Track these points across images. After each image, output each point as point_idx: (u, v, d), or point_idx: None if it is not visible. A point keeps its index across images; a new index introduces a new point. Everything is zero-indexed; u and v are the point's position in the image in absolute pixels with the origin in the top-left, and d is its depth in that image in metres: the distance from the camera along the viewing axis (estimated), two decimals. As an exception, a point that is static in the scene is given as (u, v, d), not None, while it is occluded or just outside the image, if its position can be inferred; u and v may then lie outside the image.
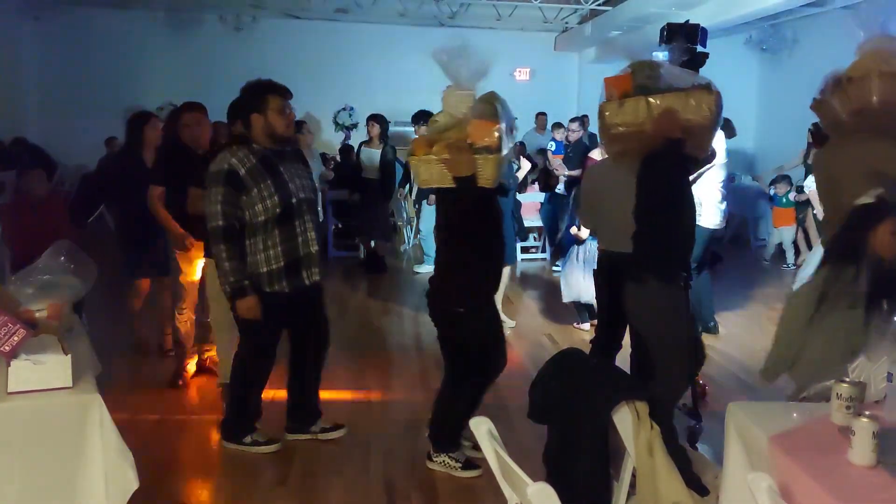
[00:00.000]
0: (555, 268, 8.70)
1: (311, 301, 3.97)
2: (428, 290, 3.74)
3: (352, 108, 12.56)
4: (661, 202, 3.44)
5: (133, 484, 2.52)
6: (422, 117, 8.29)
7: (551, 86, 13.04)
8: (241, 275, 3.61)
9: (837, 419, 2.18)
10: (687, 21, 4.53)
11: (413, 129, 8.28)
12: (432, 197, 8.38)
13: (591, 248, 5.90)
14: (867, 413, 1.99)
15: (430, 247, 8.74)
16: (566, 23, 12.68)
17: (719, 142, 4.62)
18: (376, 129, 8.48)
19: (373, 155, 8.46)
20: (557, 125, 10.89)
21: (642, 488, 2.45)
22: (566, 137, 9.65)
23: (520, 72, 13.34)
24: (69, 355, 2.52)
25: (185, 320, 4.90)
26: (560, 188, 9.00)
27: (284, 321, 3.92)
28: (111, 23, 12.18)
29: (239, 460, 3.89)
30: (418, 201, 8.80)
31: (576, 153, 9.09)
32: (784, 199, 9.13)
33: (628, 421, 2.44)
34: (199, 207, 4.15)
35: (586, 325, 6.35)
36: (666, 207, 3.45)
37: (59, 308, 2.97)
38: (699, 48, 4.37)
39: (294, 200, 3.71)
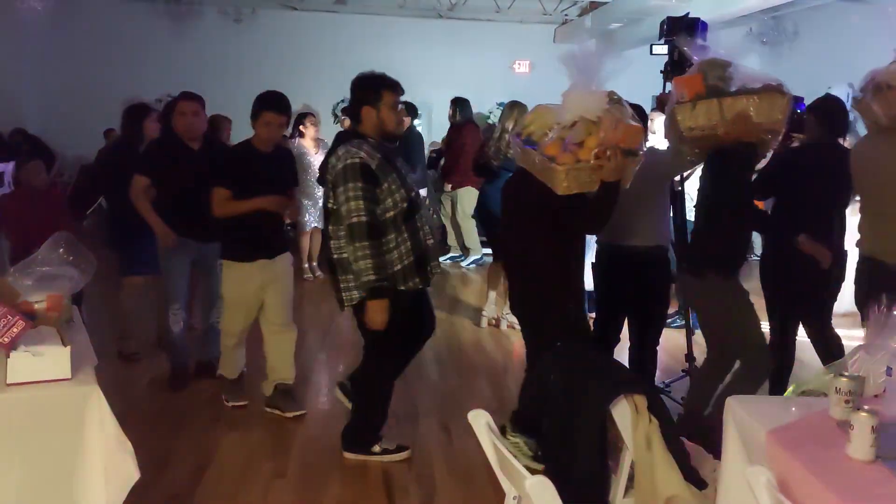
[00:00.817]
0: None
1: (424, 297, 3.89)
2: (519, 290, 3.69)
3: (344, 100, 12.55)
4: (730, 201, 3.50)
5: (133, 475, 2.52)
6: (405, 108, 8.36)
7: (551, 78, 12.93)
8: (380, 274, 3.45)
9: (836, 413, 2.18)
10: (687, 14, 4.52)
11: None
12: None
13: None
14: (866, 407, 1.99)
15: None
16: (566, 15, 12.64)
17: None
18: (347, 123, 8.39)
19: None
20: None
21: (640, 481, 2.46)
22: None
23: (519, 64, 13.30)
24: (68, 347, 2.52)
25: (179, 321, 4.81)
26: None
27: (410, 320, 3.75)
28: (111, 13, 12.14)
29: (238, 453, 3.90)
30: None
31: None
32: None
33: (627, 414, 2.45)
34: (229, 209, 4.15)
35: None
36: (734, 206, 3.51)
37: (58, 300, 2.96)
38: (699, 42, 4.36)
39: (413, 194, 3.64)
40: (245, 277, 4.23)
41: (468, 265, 8.92)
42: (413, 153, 8.32)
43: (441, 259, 8.79)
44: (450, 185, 8.52)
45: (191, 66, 12.03)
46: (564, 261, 3.50)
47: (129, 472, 2.51)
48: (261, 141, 4.23)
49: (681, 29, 4.41)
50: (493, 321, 6.35)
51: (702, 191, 3.74)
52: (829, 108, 4.04)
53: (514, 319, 6.29)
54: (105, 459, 2.48)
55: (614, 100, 3.39)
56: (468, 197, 8.15)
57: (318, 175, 6.22)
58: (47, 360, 2.47)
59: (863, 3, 9.80)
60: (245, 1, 12.13)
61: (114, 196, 5.33)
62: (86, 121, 11.83)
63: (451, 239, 9.26)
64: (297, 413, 4.36)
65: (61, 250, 3.18)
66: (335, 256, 3.59)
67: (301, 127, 7.77)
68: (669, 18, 4.53)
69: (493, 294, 6.35)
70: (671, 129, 3.69)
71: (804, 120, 4.10)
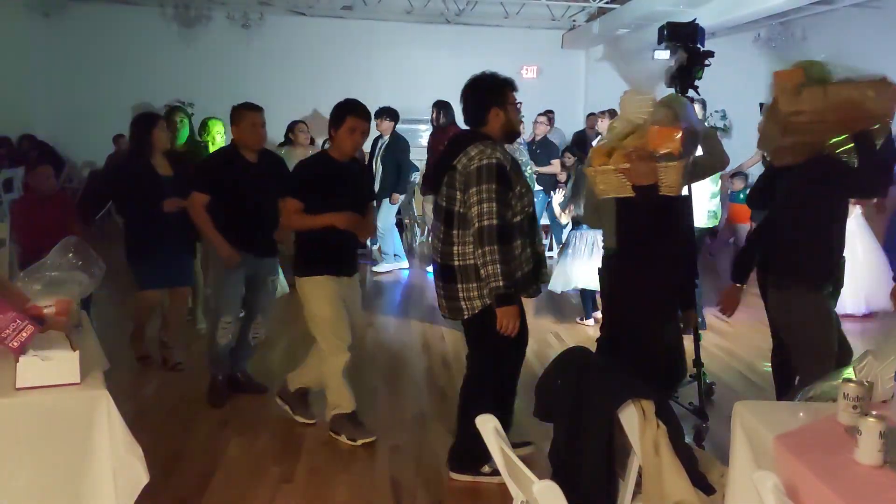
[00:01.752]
0: None
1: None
2: (604, 296, 3.65)
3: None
4: (818, 212, 3.41)
5: (143, 479, 2.53)
6: (385, 113, 8.33)
7: (559, 83, 13.02)
8: (509, 280, 3.30)
9: (844, 419, 2.18)
10: (694, 20, 4.52)
11: (375, 122, 8.23)
12: (396, 196, 8.33)
13: (588, 237, 6.11)
14: (874, 413, 1.99)
15: (388, 245, 8.67)
16: (574, 20, 12.65)
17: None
18: (384, 126, 8.43)
19: None
20: None
21: (648, 487, 2.45)
22: (532, 134, 9.50)
23: (527, 69, 13.31)
24: (77, 351, 2.53)
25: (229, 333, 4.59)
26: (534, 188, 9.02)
27: (523, 329, 3.56)
28: (120, 19, 12.21)
29: (246, 457, 3.90)
30: (379, 199, 8.47)
31: (543, 150, 8.99)
32: (740, 196, 9.13)
33: (634, 419, 2.44)
34: (298, 223, 3.96)
35: (591, 321, 6.39)
36: (823, 217, 3.43)
37: (68, 304, 2.98)
38: (699, 47, 4.37)
39: (533, 198, 3.56)
40: (335, 290, 4.01)
41: None
42: (401, 159, 8.36)
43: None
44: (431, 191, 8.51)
45: (199, 72, 12.10)
46: (639, 269, 3.49)
47: (138, 476, 2.52)
48: (341, 151, 4.01)
49: (681, 34, 4.41)
50: None
51: (789, 200, 3.54)
52: None
53: None
54: (114, 463, 2.49)
55: (666, 103, 3.30)
56: None
57: None
58: (56, 365, 2.49)
59: (871, 8, 9.77)
60: (253, 7, 12.18)
61: (127, 208, 5.14)
62: (94, 127, 11.89)
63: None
64: (305, 420, 4.30)
65: (70, 255, 3.21)
66: (457, 263, 3.41)
67: (291, 135, 7.75)
68: (669, 24, 4.53)
69: None
70: (770, 124, 3.48)
71: None
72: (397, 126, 8.55)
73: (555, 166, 8.91)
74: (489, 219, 3.25)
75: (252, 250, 4.46)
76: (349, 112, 3.92)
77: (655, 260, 3.52)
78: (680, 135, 3.29)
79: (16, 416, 2.42)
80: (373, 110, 9.01)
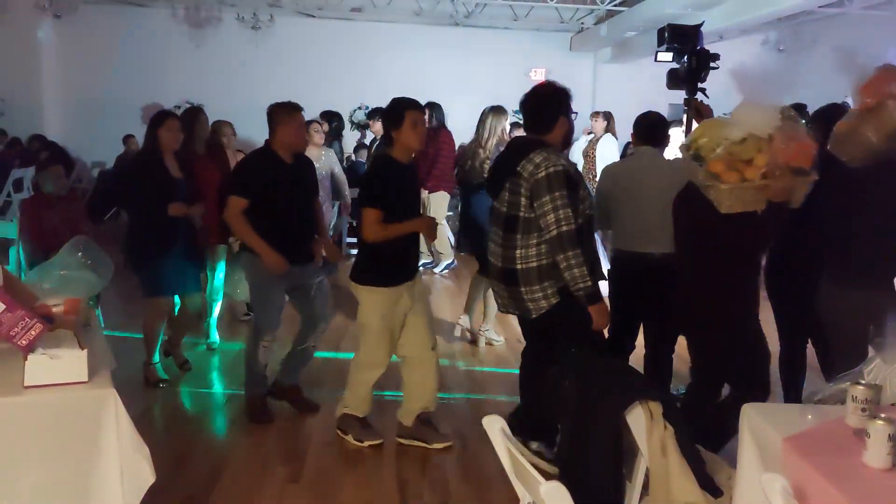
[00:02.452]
0: None
1: None
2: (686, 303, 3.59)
3: (367, 107, 12.59)
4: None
5: (149, 478, 2.53)
6: (378, 113, 8.18)
7: (567, 86, 13.00)
8: (592, 279, 3.38)
9: (852, 421, 2.17)
10: (703, 23, 4.52)
11: (369, 122, 8.15)
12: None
13: None
14: (883, 415, 1.98)
15: None
16: (582, 23, 12.65)
17: None
18: (378, 127, 8.26)
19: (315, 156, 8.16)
20: None
21: (655, 488, 2.44)
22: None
23: (535, 72, 13.31)
24: (85, 350, 2.54)
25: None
26: None
27: None
28: (130, 21, 12.29)
29: (252, 457, 3.91)
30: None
31: None
32: None
33: (642, 421, 2.44)
34: (382, 233, 3.78)
35: None
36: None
37: (76, 303, 2.99)
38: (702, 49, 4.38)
39: (591, 201, 3.60)
40: (393, 302, 3.91)
41: (441, 271, 8.68)
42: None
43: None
44: (425, 191, 8.08)
45: (210, 73, 12.16)
46: (738, 277, 3.43)
47: (145, 475, 2.53)
48: (407, 148, 3.87)
49: (682, 36, 4.42)
50: (469, 333, 6.05)
51: (861, 202, 3.41)
52: (833, 116, 3.94)
53: (493, 336, 6.01)
54: (121, 462, 2.49)
55: (788, 116, 3.21)
56: (440, 202, 8.04)
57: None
58: (64, 363, 2.49)
59: (881, 10, 9.74)
60: (263, 8, 12.23)
61: (131, 208, 4.90)
62: (105, 127, 11.97)
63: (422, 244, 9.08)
64: (444, 445, 4.05)
65: (80, 254, 3.22)
66: (519, 267, 3.46)
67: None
68: (670, 26, 4.53)
69: (476, 306, 6.01)
70: (867, 126, 3.27)
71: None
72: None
73: None
74: (567, 224, 3.32)
75: (295, 259, 4.18)
76: (406, 108, 3.83)
77: (754, 269, 3.53)
78: (814, 150, 3.20)
79: (24, 415, 2.43)
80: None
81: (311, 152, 7.38)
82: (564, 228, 3.32)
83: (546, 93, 3.63)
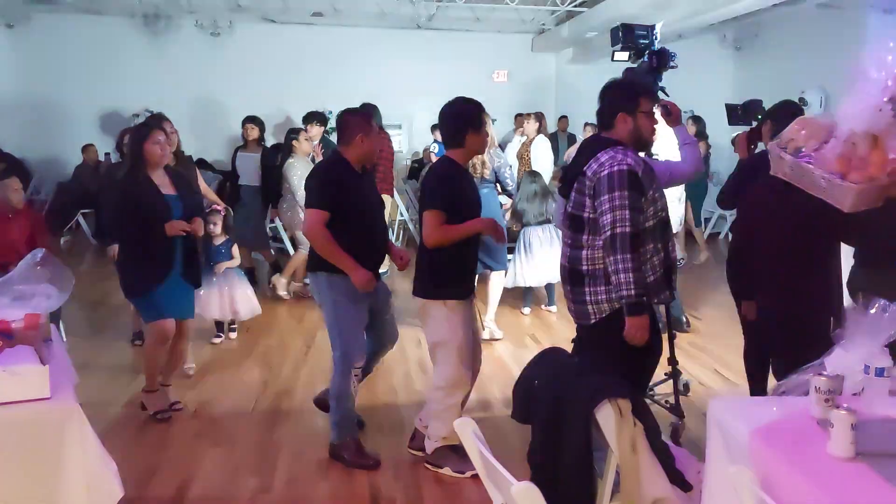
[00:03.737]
0: None
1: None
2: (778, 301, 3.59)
3: (330, 112, 12.52)
4: None
5: (117, 493, 2.50)
6: (315, 118, 8.11)
7: (529, 87, 13.10)
8: (640, 289, 3.17)
9: (816, 412, 2.21)
10: (655, 25, 4.57)
11: (305, 127, 7.95)
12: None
13: (541, 234, 6.71)
14: (845, 405, 2.02)
15: None
16: (543, 24, 12.73)
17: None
18: (255, 132, 7.98)
19: (251, 159, 7.91)
20: (437, 126, 10.69)
21: (626, 485, 2.46)
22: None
23: (498, 73, 13.37)
24: (47, 366, 2.50)
25: None
26: None
27: (654, 335, 3.37)
28: (87, 28, 12.07)
29: (223, 469, 3.86)
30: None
31: None
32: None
33: (611, 419, 2.46)
34: (445, 235, 3.62)
35: (553, 307, 7.03)
36: None
37: (36, 318, 2.93)
38: (656, 48, 4.43)
39: (666, 202, 3.44)
40: (467, 315, 3.76)
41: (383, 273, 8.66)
42: (268, 184, 7.91)
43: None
44: None
45: (169, 81, 12.01)
46: (828, 267, 3.51)
47: (112, 490, 2.50)
48: (474, 152, 3.80)
49: (636, 35, 4.46)
50: (497, 334, 6.31)
51: None
52: (786, 114, 4.02)
53: (494, 328, 6.29)
54: (87, 478, 2.45)
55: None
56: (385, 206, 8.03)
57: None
58: (26, 380, 2.45)
59: (833, 8, 9.95)
60: (222, 15, 12.10)
61: (128, 237, 4.40)
62: (62, 138, 11.76)
63: None
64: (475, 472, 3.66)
65: (38, 268, 3.15)
66: (585, 267, 3.32)
67: (294, 142, 7.63)
68: (623, 25, 4.56)
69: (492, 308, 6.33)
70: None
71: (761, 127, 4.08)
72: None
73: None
74: (622, 226, 3.15)
75: (376, 274, 3.96)
76: (481, 110, 3.75)
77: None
78: None
79: (-15, 433, 2.37)
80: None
81: (301, 161, 7.31)
82: (619, 230, 3.15)
83: (610, 89, 3.45)
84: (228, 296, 5.76)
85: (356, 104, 10.93)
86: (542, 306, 7.13)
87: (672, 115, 4.12)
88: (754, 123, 4.04)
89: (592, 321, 3.35)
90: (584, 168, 3.30)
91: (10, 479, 2.39)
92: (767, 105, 4.43)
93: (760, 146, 4.24)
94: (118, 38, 12.12)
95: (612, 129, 3.37)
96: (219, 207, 5.93)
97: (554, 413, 2.58)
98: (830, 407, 2.11)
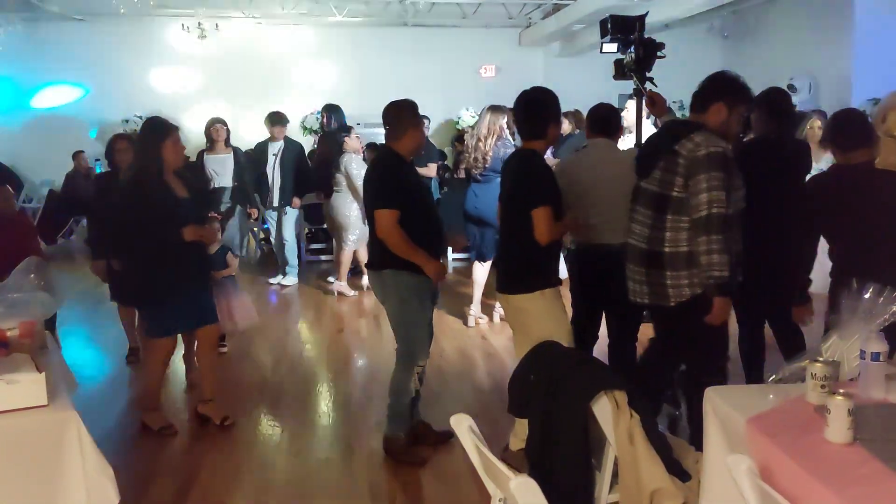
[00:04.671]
0: None
1: None
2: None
3: (318, 112, 12.50)
4: None
5: (114, 500, 2.49)
6: (281, 118, 8.01)
7: (517, 81, 12.98)
8: (729, 270, 3.21)
9: (813, 399, 2.21)
10: (646, 13, 4.58)
11: (269, 129, 7.89)
12: (296, 200, 8.03)
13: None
14: (842, 391, 2.02)
15: (294, 257, 8.33)
16: (530, 18, 12.71)
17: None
18: (224, 133, 7.74)
19: (223, 161, 7.67)
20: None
21: (624, 476, 2.47)
22: None
23: (485, 68, 13.35)
24: (43, 373, 2.49)
25: None
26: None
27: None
28: (74, 35, 12.00)
29: (222, 470, 3.86)
30: (282, 207, 8.14)
31: (424, 151, 8.51)
32: None
33: (608, 410, 2.46)
34: (555, 231, 3.59)
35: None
36: None
37: (31, 326, 2.92)
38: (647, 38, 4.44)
39: (744, 193, 3.43)
40: (562, 304, 3.74)
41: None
42: (300, 163, 8.07)
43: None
44: (325, 196, 7.89)
45: (156, 85, 11.95)
46: None
47: (109, 497, 2.48)
48: (549, 146, 3.80)
49: (625, 27, 4.46)
50: (481, 319, 6.50)
51: None
52: (773, 102, 4.03)
53: (478, 313, 6.47)
54: (85, 485, 2.45)
55: None
56: (349, 204, 7.71)
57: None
58: (22, 388, 2.44)
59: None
60: (208, 17, 12.05)
61: (142, 241, 4.08)
62: (52, 145, 11.69)
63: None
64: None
65: (32, 276, 3.15)
66: (667, 250, 3.31)
67: (346, 139, 7.56)
68: (612, 17, 4.57)
69: (478, 293, 6.47)
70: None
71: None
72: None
73: (431, 169, 8.55)
74: (718, 207, 3.17)
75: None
76: (558, 100, 3.73)
77: None
78: None
79: (-17, 443, 2.37)
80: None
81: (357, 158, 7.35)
82: (714, 211, 3.17)
83: (716, 78, 3.46)
84: (225, 306, 5.36)
85: (345, 102, 10.97)
86: None
87: (657, 105, 4.13)
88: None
89: (672, 304, 3.35)
90: (675, 147, 3.26)
91: (9, 487, 2.38)
92: (756, 93, 4.44)
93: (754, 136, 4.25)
94: (105, 43, 12.05)
95: (704, 114, 3.36)
96: (214, 214, 5.87)
97: (551, 406, 2.59)
98: (827, 393, 2.12)
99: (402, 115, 3.85)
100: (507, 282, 3.75)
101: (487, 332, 6.27)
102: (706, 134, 3.25)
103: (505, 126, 6.02)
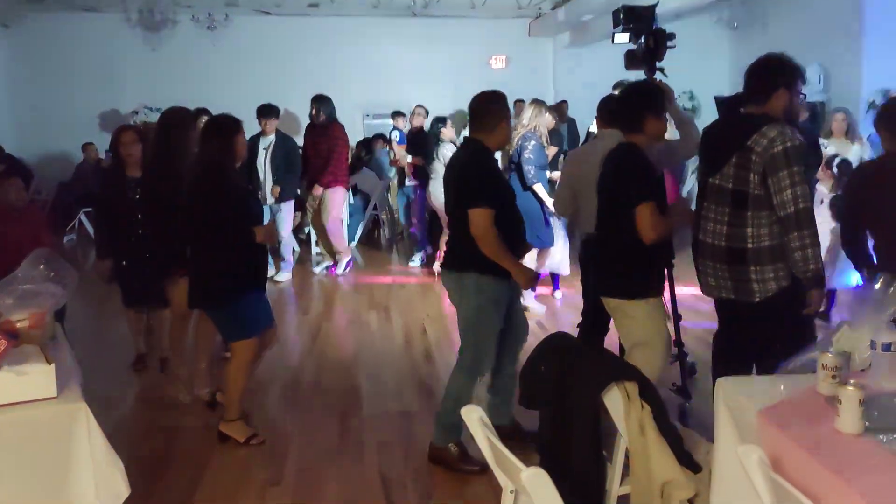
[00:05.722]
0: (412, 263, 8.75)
1: None
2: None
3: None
4: None
5: (124, 492, 2.49)
6: (272, 112, 7.68)
7: (527, 72, 13.03)
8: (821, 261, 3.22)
9: (824, 389, 2.20)
10: (656, 3, 4.54)
11: (259, 122, 7.64)
12: (276, 189, 7.69)
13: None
14: (853, 381, 2.01)
15: (289, 252, 8.25)
16: (539, 9, 12.66)
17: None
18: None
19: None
20: (398, 113, 10.64)
21: (636, 468, 2.47)
22: (410, 123, 9.42)
23: (495, 59, 13.32)
24: (52, 365, 2.49)
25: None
26: (409, 180, 8.83)
27: None
28: (83, 27, 12.05)
29: (232, 463, 3.87)
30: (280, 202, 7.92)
31: (417, 141, 8.75)
32: None
33: (619, 402, 2.46)
34: (662, 229, 3.41)
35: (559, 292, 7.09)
36: None
37: (41, 317, 2.93)
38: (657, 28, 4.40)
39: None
40: (663, 311, 3.64)
41: (344, 272, 8.41)
42: (292, 157, 7.80)
43: (316, 269, 8.42)
44: (320, 188, 7.87)
45: (167, 76, 11.98)
46: None
47: (118, 489, 2.49)
48: (650, 141, 3.57)
49: (637, 17, 4.43)
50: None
51: None
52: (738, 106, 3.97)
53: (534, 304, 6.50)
54: (95, 477, 2.45)
55: None
56: (336, 198, 7.84)
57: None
58: (32, 380, 2.44)
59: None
60: (219, 8, 12.05)
61: (229, 235, 3.87)
62: (61, 137, 11.75)
63: (320, 246, 8.70)
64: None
65: (42, 267, 3.14)
66: (750, 246, 3.27)
67: (443, 129, 7.67)
68: (625, 7, 4.54)
69: None
70: None
71: None
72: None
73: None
74: (804, 201, 3.16)
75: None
76: (658, 92, 3.66)
77: None
78: None
79: (-6, 434, 2.38)
80: (344, 106, 8.80)
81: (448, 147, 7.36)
82: (802, 205, 3.14)
83: (768, 63, 3.40)
84: None
85: (354, 93, 10.93)
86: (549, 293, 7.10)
87: (665, 95, 4.10)
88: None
89: (756, 300, 3.32)
90: (748, 143, 3.22)
91: (18, 479, 2.39)
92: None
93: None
94: (114, 35, 12.08)
95: (766, 104, 3.31)
96: None
97: (561, 398, 2.58)
98: (838, 384, 2.10)
99: (495, 106, 3.69)
100: (607, 283, 3.64)
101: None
102: (777, 127, 3.21)
103: (543, 123, 6.18)
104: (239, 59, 12.37)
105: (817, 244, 3.17)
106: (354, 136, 10.57)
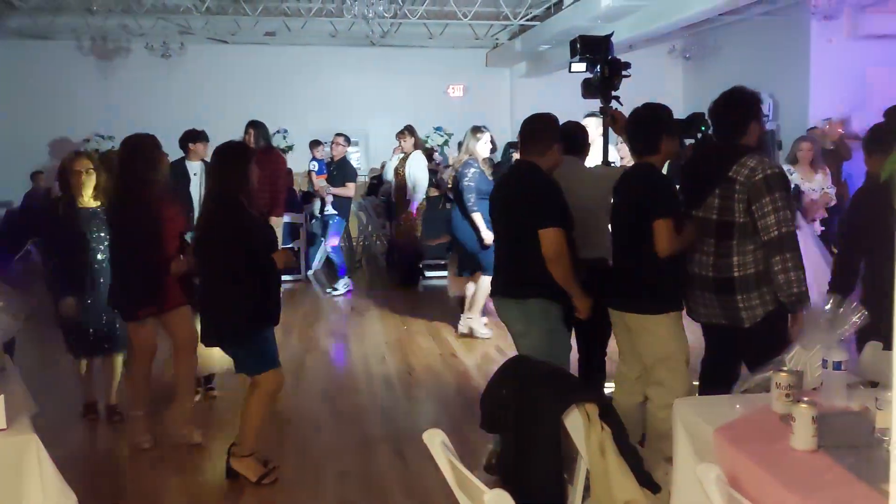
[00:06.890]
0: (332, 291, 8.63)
1: None
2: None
3: (286, 131, 12.46)
4: None
5: (77, 525, 2.43)
6: (200, 137, 7.36)
7: (484, 101, 13.18)
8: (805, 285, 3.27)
9: (778, 407, 2.25)
10: (612, 33, 4.66)
11: (191, 147, 7.24)
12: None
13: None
14: (805, 400, 2.06)
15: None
16: (497, 39, 12.84)
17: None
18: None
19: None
20: (316, 143, 10.49)
21: (596, 489, 2.47)
22: (331, 154, 9.23)
23: (453, 88, 13.46)
24: (2, 396, 2.42)
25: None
26: (328, 209, 8.70)
27: None
28: (35, 55, 11.87)
29: (186, 495, 3.79)
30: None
31: (340, 171, 8.70)
32: None
33: (579, 423, 2.47)
34: (677, 244, 3.42)
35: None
36: None
37: (-10, 348, 2.85)
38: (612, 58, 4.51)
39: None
40: (682, 326, 3.59)
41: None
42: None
43: None
44: (274, 217, 7.26)
45: (121, 104, 11.84)
46: None
47: (72, 522, 2.42)
48: (664, 160, 3.62)
49: (593, 47, 4.55)
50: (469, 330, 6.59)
51: None
52: (695, 126, 4.07)
53: (477, 326, 6.50)
54: (47, 509, 2.38)
55: None
56: (276, 226, 7.40)
57: None
58: (-20, 411, 2.38)
59: (777, 16, 10.22)
60: (173, 36, 11.98)
61: (251, 269, 3.68)
62: (10, 164, 11.50)
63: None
64: None
65: (-9, 297, 3.07)
66: (736, 274, 3.35)
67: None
68: (582, 37, 4.65)
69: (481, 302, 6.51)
70: None
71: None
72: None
73: (349, 189, 8.64)
74: (787, 226, 3.27)
75: None
76: (671, 114, 3.66)
77: None
78: None
79: (-62, 468, 2.30)
80: (300, 135, 8.71)
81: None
82: (785, 230, 3.26)
83: (739, 99, 3.50)
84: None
85: (311, 121, 10.88)
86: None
87: (618, 122, 4.20)
88: (699, 136, 4.12)
89: (746, 326, 3.40)
90: (730, 174, 3.32)
91: (-34, 515, 2.31)
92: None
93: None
94: (66, 63, 11.94)
95: (745, 136, 3.43)
96: None
97: (522, 421, 2.59)
98: (791, 402, 2.15)
99: (548, 129, 3.69)
100: (626, 300, 3.62)
101: (460, 348, 6.27)
102: (756, 156, 3.35)
103: (477, 149, 6.29)
104: (193, 87, 12.29)
105: (801, 267, 3.27)
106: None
